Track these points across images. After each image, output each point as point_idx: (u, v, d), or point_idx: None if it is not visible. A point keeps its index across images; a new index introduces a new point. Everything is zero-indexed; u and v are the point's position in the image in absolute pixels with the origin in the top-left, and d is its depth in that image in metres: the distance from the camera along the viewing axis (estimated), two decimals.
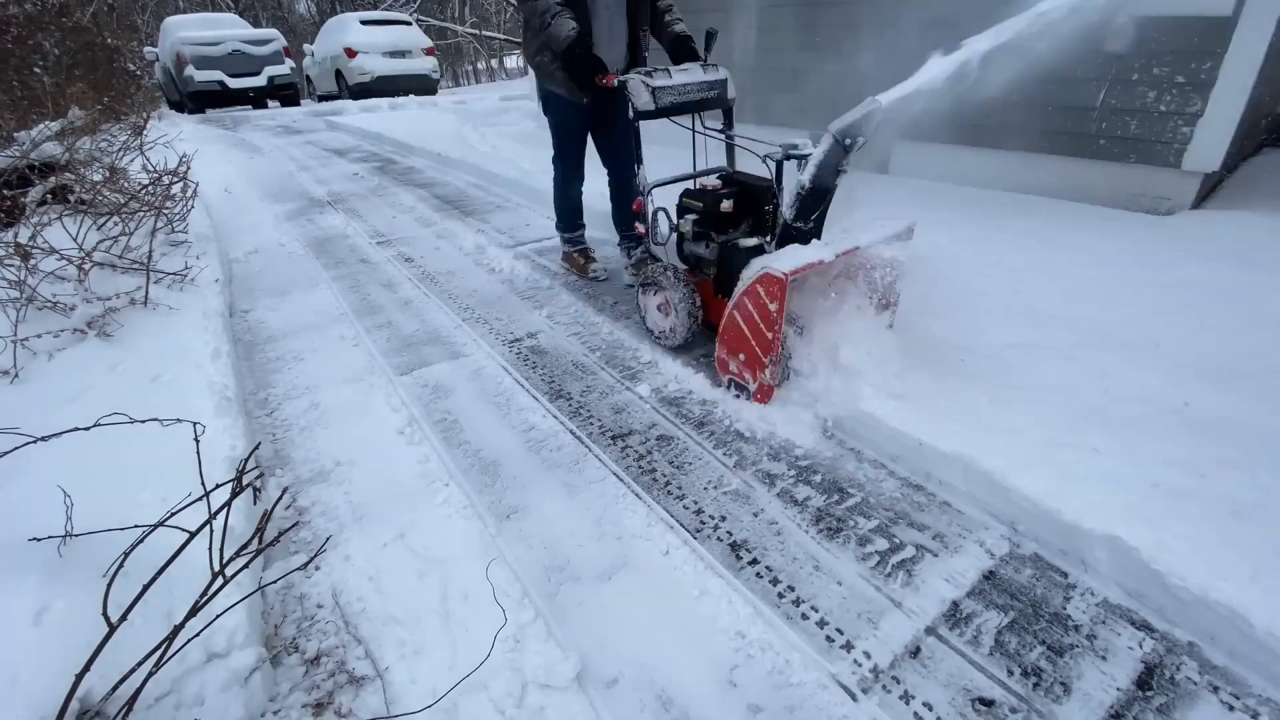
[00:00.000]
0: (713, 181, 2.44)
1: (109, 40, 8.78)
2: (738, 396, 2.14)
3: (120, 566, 1.12)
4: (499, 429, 2.09)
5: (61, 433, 1.39)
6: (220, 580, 1.15)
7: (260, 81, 11.92)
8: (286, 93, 12.59)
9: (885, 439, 1.83)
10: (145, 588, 1.06)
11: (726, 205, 2.36)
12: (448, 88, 20.90)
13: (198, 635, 1.16)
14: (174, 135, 6.12)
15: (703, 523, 1.66)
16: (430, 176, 5.92)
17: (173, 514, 1.19)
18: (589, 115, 2.89)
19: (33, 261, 2.49)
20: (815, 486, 1.76)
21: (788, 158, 2.12)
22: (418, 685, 1.27)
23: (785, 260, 1.82)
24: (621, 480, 1.83)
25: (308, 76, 15.13)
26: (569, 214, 3.27)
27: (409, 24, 13.44)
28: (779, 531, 1.62)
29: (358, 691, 1.28)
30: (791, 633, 1.35)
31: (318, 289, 3.33)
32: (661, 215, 2.56)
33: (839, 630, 1.36)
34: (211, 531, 1.18)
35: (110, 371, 2.22)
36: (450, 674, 1.27)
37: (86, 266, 2.57)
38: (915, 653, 1.31)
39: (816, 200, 1.99)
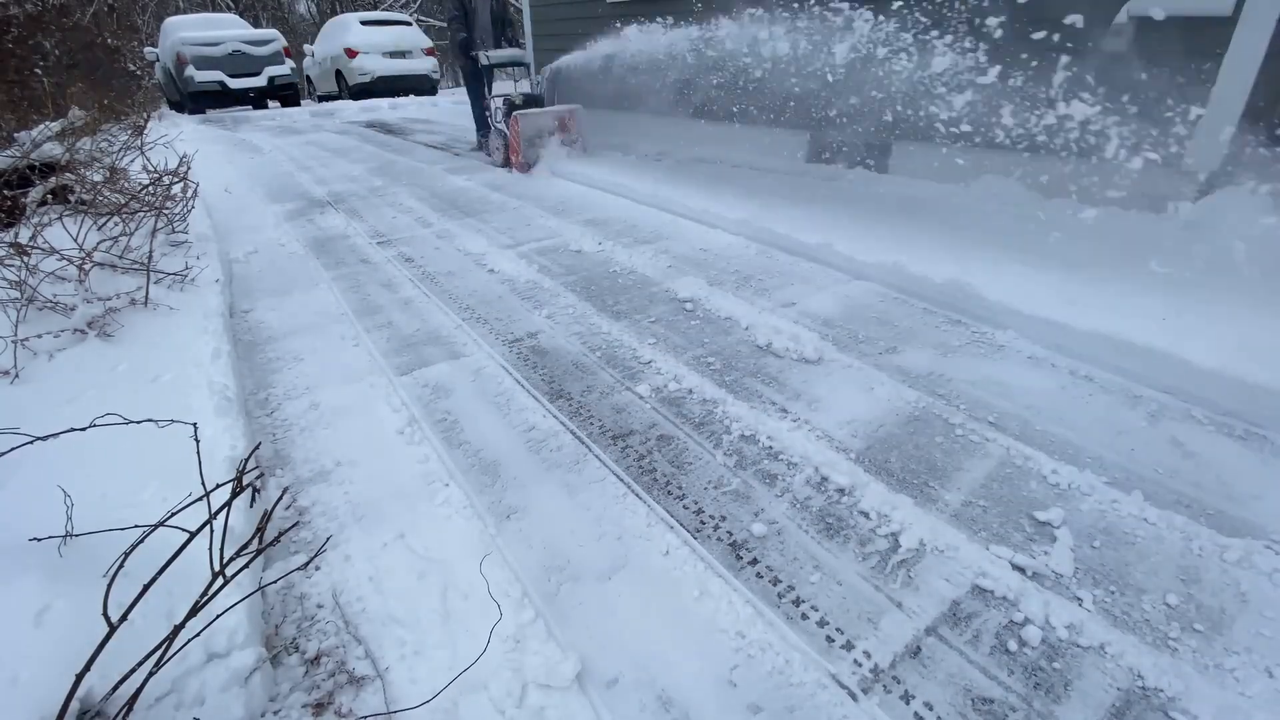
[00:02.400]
0: (515, 95, 5.99)
1: (109, 40, 8.78)
2: (505, 167, 6.09)
3: (120, 566, 1.12)
4: (499, 429, 2.09)
5: (58, 433, 1.39)
6: (220, 580, 1.14)
7: (260, 82, 11.91)
8: (287, 93, 12.59)
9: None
10: (145, 588, 1.06)
11: (518, 101, 5.94)
12: (448, 88, 20.84)
13: (198, 635, 1.16)
14: (174, 135, 6.12)
15: (703, 523, 1.66)
16: (429, 176, 5.92)
17: (173, 514, 1.19)
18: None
19: (33, 261, 2.49)
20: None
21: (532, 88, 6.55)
22: (418, 685, 1.27)
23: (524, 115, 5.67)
24: (621, 480, 1.83)
25: (308, 77, 15.13)
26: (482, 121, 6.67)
27: (409, 24, 13.43)
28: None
29: (358, 691, 1.28)
30: (792, 633, 1.35)
31: (318, 289, 3.33)
32: (499, 111, 6.17)
33: (839, 629, 1.37)
34: (211, 531, 1.18)
35: (110, 372, 2.22)
36: (450, 674, 1.27)
37: (87, 267, 2.57)
38: (916, 652, 1.31)
39: (534, 101, 5.99)
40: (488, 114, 6.36)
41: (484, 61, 5.93)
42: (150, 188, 3.33)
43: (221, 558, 1.15)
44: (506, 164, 6.04)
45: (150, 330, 2.53)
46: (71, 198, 3.21)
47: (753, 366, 2.39)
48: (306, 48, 14.96)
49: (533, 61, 8.26)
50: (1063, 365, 2.29)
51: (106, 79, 7.79)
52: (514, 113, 5.68)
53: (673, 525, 1.66)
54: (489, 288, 3.24)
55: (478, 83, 6.44)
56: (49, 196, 3.19)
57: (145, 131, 5.52)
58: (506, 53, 6.11)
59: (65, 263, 2.57)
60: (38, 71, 6.40)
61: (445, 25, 6.65)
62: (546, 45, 8.00)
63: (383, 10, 18.95)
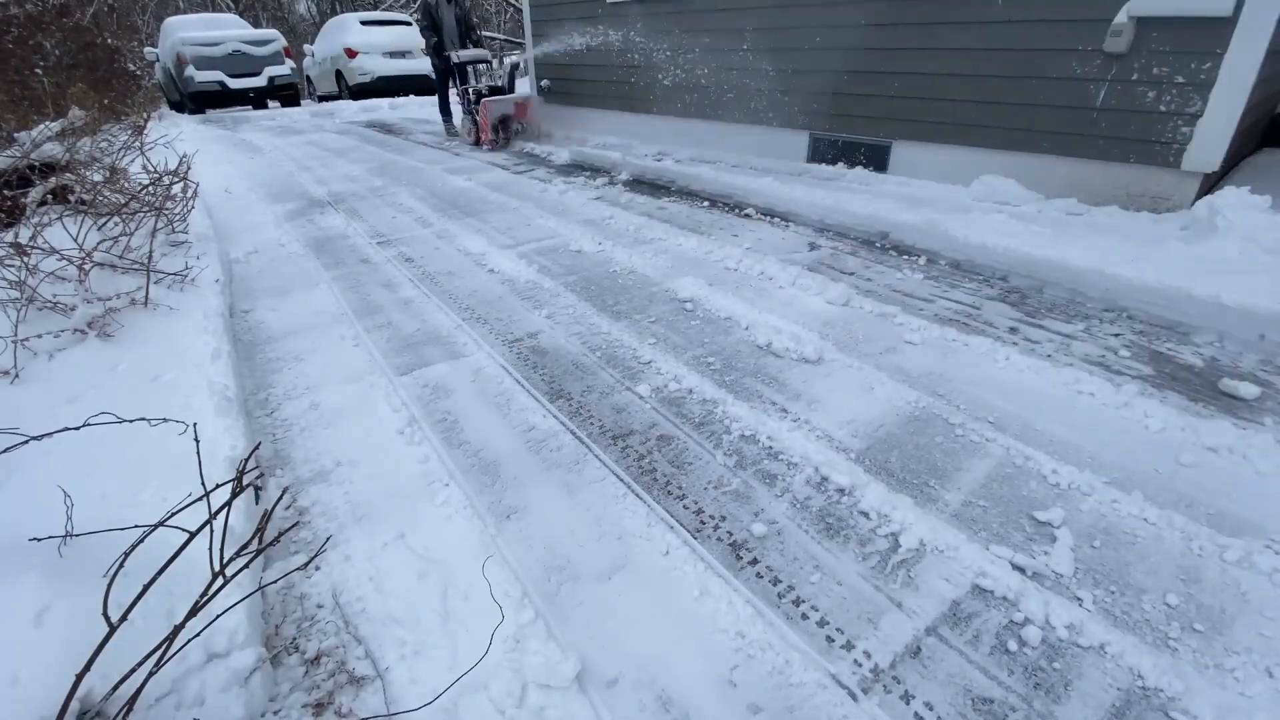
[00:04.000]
0: (484, 88, 7.19)
1: (109, 40, 8.78)
2: (476, 147, 7.34)
3: (120, 566, 1.12)
4: (499, 429, 2.09)
5: (52, 432, 1.38)
6: (220, 580, 1.14)
7: (260, 82, 11.92)
8: (287, 93, 12.60)
9: None
10: (145, 588, 1.06)
11: (485, 93, 7.19)
12: None
13: (198, 635, 1.16)
14: (174, 135, 6.12)
15: (703, 523, 1.66)
16: (429, 176, 5.92)
17: (173, 514, 1.19)
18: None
19: (33, 261, 2.49)
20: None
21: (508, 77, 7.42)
22: (418, 685, 1.27)
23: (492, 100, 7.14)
24: (621, 480, 1.83)
25: (308, 77, 15.13)
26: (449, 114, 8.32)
27: (409, 24, 13.43)
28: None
29: (358, 691, 1.28)
30: (792, 633, 1.35)
31: (318, 289, 3.33)
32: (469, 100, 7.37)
33: (839, 629, 1.37)
34: (212, 531, 1.18)
35: (110, 372, 2.22)
36: (450, 674, 1.27)
37: (87, 267, 2.56)
38: (916, 652, 1.31)
39: (497, 91, 7.36)
40: (462, 104, 7.68)
41: (454, 60, 7.18)
42: (150, 188, 3.33)
43: (221, 558, 1.15)
44: (478, 143, 7.37)
45: (150, 330, 2.53)
46: (71, 198, 3.21)
47: (753, 366, 2.39)
48: (306, 48, 14.96)
49: (532, 60, 8.26)
50: None
51: (106, 79, 7.79)
52: (481, 99, 7.04)
53: (673, 525, 1.65)
54: (489, 288, 3.24)
55: (445, 79, 8.05)
56: (49, 196, 3.19)
57: (145, 131, 5.52)
58: (473, 52, 7.28)
59: (65, 263, 2.57)
60: (38, 71, 6.41)
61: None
62: (546, 46, 7.99)
63: (383, 10, 18.95)
